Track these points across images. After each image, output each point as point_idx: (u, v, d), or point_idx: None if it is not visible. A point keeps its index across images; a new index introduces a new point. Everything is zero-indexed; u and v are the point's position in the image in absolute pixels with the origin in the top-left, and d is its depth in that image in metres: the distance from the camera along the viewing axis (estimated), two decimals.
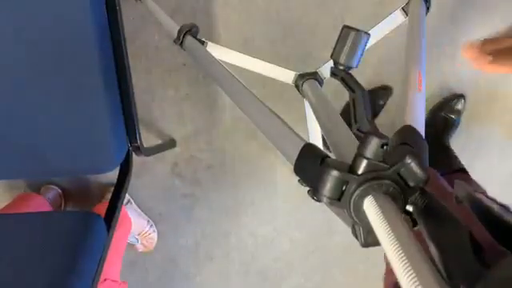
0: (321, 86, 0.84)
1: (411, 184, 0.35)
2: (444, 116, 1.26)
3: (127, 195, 1.38)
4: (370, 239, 0.37)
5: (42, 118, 0.81)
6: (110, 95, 0.80)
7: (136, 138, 0.85)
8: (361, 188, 0.34)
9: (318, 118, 0.64)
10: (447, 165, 1.09)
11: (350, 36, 0.46)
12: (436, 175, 1.14)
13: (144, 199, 1.41)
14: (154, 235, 1.42)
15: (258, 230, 1.46)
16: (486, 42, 1.17)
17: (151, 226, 1.41)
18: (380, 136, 0.34)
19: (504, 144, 1.36)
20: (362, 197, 0.34)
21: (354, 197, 0.35)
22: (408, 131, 0.44)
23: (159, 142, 1.32)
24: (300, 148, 0.43)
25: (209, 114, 1.31)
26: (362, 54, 0.47)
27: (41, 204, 1.25)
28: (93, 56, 0.77)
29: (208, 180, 1.39)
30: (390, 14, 0.84)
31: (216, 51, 0.85)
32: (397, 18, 0.83)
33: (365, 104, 0.44)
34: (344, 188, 0.35)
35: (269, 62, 0.89)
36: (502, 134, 1.35)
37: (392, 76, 1.27)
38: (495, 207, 0.28)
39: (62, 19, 0.76)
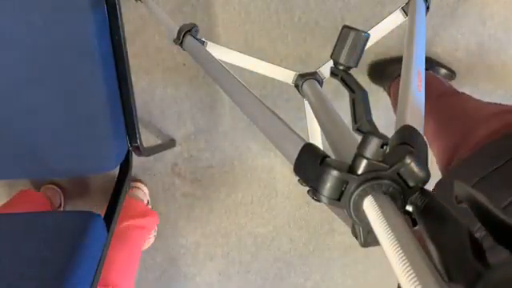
0: (321, 85, 0.84)
1: (411, 184, 0.35)
2: None
3: None
4: (369, 239, 0.37)
5: (42, 118, 0.81)
6: (110, 95, 0.80)
7: (136, 138, 0.85)
8: (360, 188, 0.34)
9: (317, 117, 0.64)
10: None
11: (349, 36, 0.46)
12: (433, 76, 1.12)
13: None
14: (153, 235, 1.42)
15: (257, 230, 1.46)
16: None
17: None
18: (380, 136, 0.34)
19: None
20: (361, 197, 0.34)
21: (353, 197, 0.35)
22: (408, 131, 0.44)
23: (159, 142, 1.32)
24: (300, 148, 0.43)
25: (209, 114, 1.31)
26: (361, 54, 0.47)
27: (41, 203, 1.25)
28: (92, 56, 0.77)
29: (208, 180, 1.39)
30: (390, 13, 0.84)
31: (216, 51, 0.85)
32: (396, 18, 0.83)
33: (365, 104, 0.44)
34: (344, 188, 0.35)
35: (269, 62, 0.89)
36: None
37: None
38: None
39: (61, 19, 0.76)
